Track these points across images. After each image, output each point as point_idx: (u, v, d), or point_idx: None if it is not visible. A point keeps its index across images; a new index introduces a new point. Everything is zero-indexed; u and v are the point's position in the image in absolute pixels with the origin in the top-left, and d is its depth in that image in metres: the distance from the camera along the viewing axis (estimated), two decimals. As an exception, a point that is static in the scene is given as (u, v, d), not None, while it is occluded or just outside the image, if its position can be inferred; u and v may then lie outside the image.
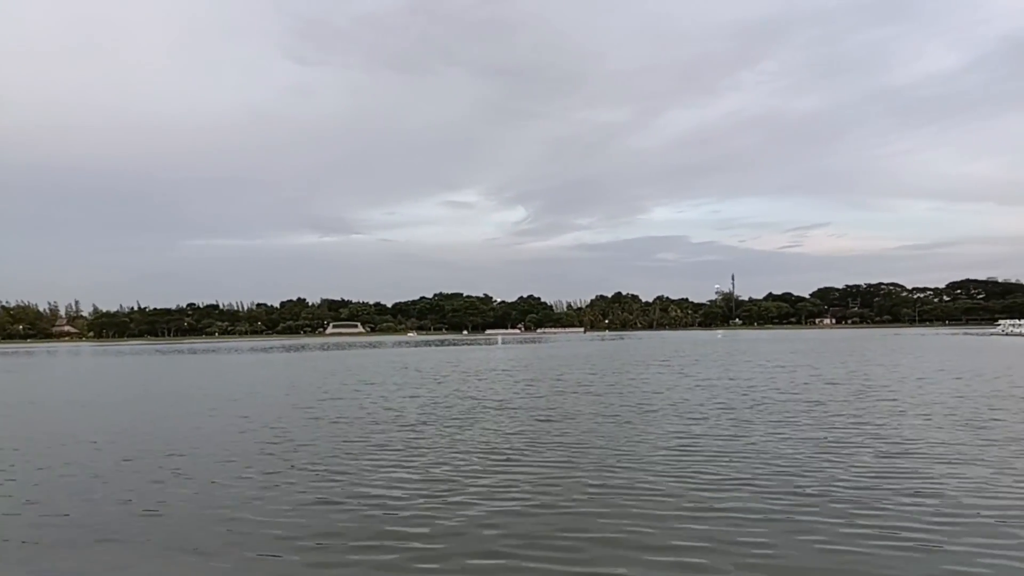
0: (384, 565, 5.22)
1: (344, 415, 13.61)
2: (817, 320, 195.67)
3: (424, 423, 12.03)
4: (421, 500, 6.86)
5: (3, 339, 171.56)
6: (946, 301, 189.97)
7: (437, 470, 8.22)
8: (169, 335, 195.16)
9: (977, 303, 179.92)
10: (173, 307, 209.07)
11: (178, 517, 6.60)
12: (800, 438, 9.82)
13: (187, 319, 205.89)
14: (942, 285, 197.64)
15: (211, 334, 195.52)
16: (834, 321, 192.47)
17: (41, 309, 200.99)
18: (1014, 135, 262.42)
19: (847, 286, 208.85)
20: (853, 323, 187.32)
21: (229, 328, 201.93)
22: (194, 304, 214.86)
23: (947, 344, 47.09)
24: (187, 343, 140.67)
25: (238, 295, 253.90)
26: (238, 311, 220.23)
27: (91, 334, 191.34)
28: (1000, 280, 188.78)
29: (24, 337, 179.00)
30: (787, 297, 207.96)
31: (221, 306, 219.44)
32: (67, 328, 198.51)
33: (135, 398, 19.38)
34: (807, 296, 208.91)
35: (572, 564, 5.11)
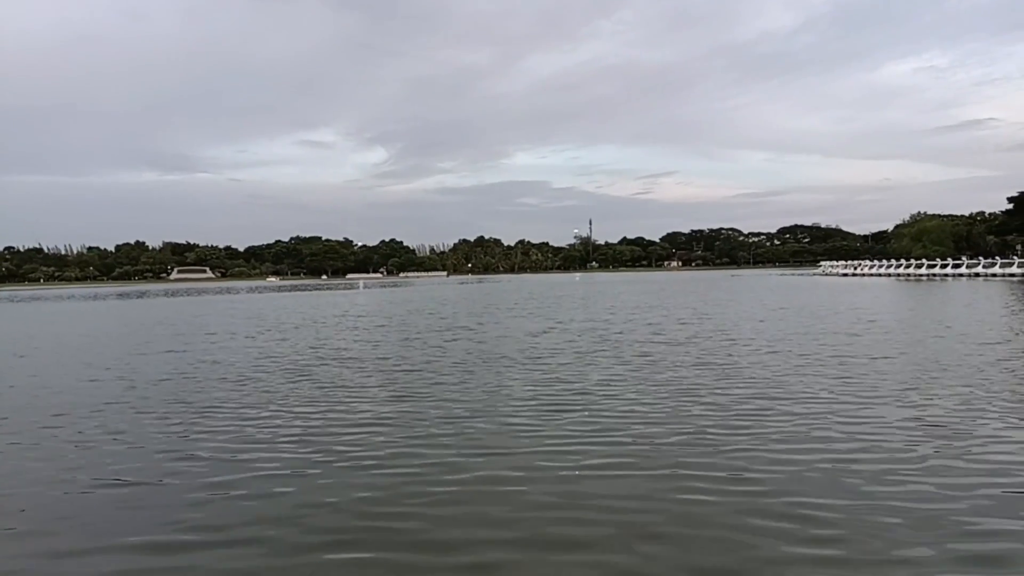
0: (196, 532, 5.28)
1: (162, 373, 13.09)
2: (666, 263, 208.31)
3: (254, 377, 11.86)
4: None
5: None
6: (777, 245, 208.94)
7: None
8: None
9: (803, 247, 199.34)
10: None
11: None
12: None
13: (5, 264, 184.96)
14: (774, 230, 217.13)
15: (35, 280, 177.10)
16: (680, 264, 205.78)
17: None
18: (841, 93, 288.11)
19: (692, 231, 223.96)
20: (697, 265, 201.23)
21: (56, 274, 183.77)
22: (12, 247, 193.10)
23: (779, 284, 52.12)
24: (7, 290, 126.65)
25: (65, 238, 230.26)
26: (66, 255, 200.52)
27: None
28: (823, 226, 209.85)
29: None
30: (639, 241, 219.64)
31: (46, 249, 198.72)
32: None
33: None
34: (657, 240, 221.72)
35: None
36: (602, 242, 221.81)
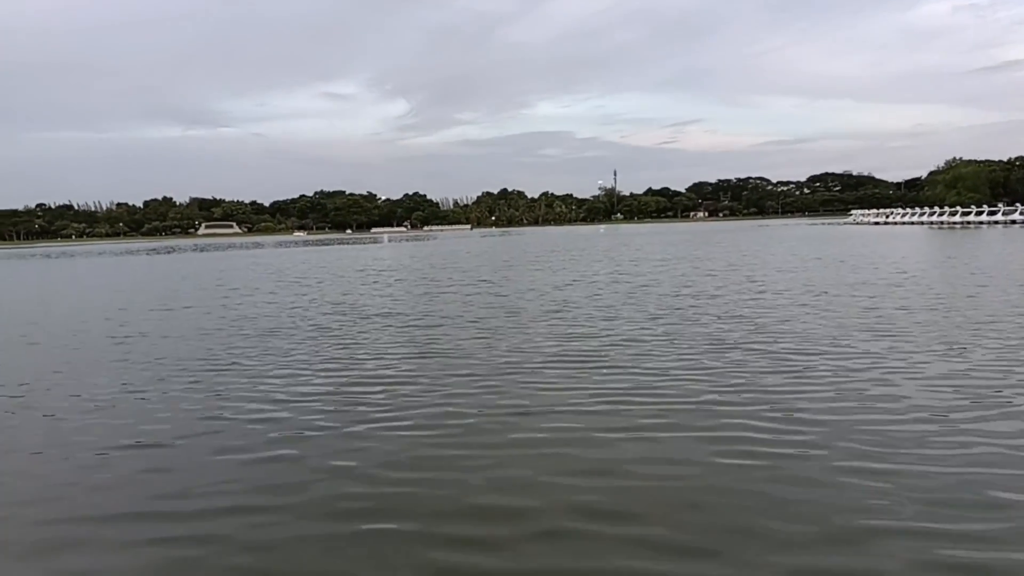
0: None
1: (185, 330, 13.08)
2: (691, 214, 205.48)
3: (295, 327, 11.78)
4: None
5: None
6: (807, 194, 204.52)
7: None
8: (18, 239, 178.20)
9: (834, 195, 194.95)
10: (20, 208, 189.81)
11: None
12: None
13: (38, 221, 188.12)
14: (803, 179, 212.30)
15: (67, 237, 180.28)
16: (707, 214, 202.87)
17: None
18: (875, 34, 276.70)
19: (719, 180, 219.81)
20: (724, 216, 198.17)
21: (87, 230, 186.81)
22: (44, 204, 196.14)
23: (809, 234, 50.96)
24: (40, 247, 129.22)
25: (95, 194, 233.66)
26: (96, 212, 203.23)
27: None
28: (854, 173, 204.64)
29: None
30: (665, 192, 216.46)
31: (76, 206, 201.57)
32: None
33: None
34: (683, 191, 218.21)
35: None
36: (627, 193, 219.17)
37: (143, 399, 7.37)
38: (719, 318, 11.53)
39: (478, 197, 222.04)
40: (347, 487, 4.76)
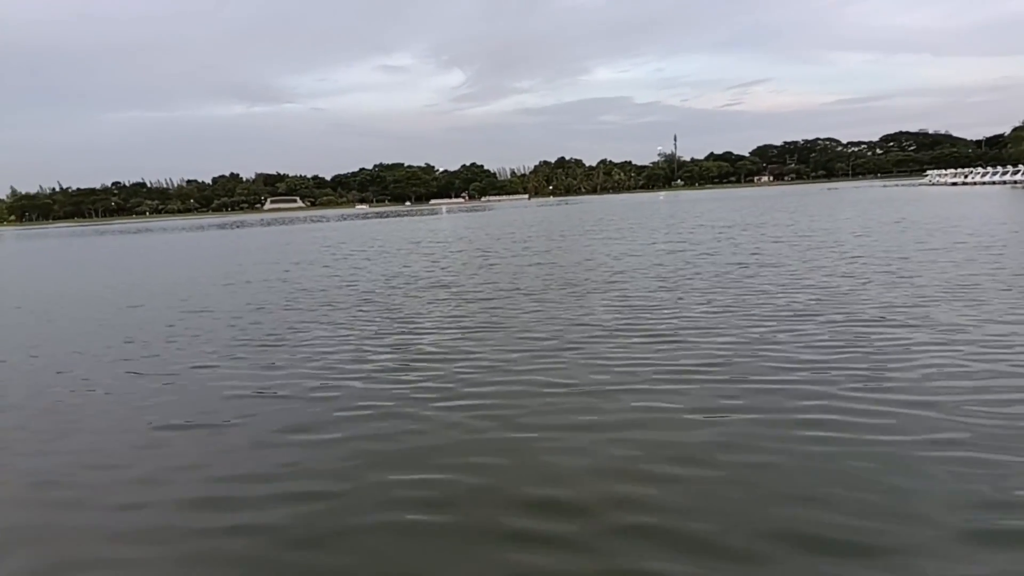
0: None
1: (245, 304, 13.19)
2: (756, 178, 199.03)
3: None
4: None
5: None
6: (879, 154, 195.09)
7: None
8: (96, 216, 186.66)
9: (908, 155, 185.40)
10: (97, 186, 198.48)
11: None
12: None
13: (114, 199, 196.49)
14: (876, 139, 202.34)
15: (141, 213, 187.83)
16: (772, 178, 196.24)
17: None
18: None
19: (785, 143, 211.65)
20: (790, 180, 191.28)
21: (160, 207, 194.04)
22: (119, 182, 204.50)
23: (882, 196, 48.44)
24: (117, 223, 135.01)
25: (166, 172, 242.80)
26: (167, 189, 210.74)
27: (12, 218, 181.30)
28: (931, 132, 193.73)
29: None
30: (727, 156, 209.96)
31: (149, 184, 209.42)
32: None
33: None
34: (747, 155, 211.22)
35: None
36: (687, 159, 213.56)
37: (203, 375, 7.39)
38: (791, 288, 10.91)
39: (535, 166, 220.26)
40: (402, 472, 4.55)
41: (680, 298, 10.58)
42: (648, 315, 9.36)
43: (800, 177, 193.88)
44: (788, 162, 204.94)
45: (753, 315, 8.94)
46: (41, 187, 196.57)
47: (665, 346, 7.53)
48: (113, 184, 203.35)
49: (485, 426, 5.34)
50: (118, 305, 13.73)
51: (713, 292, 10.95)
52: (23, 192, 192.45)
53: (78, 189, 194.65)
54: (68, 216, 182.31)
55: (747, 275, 12.63)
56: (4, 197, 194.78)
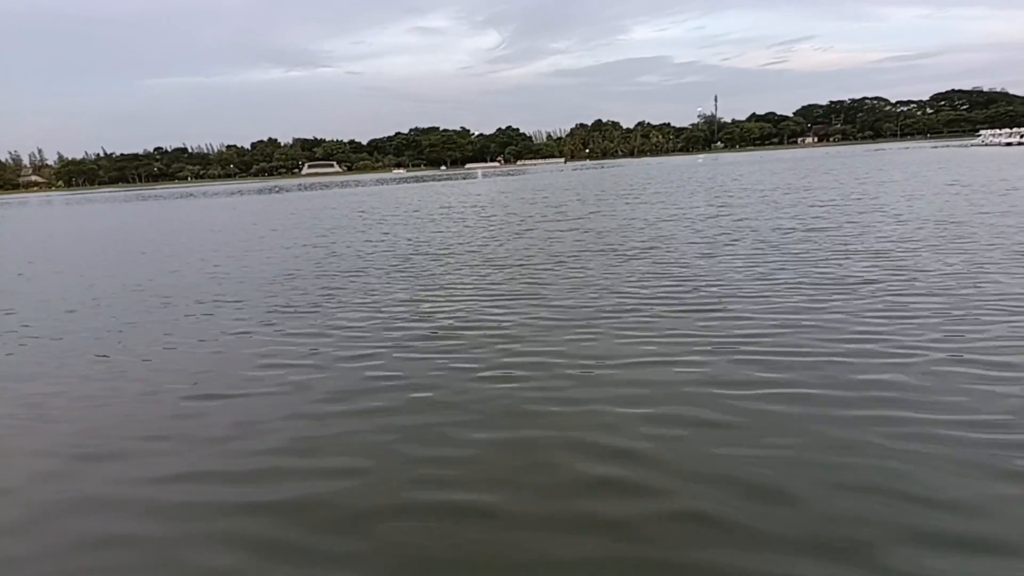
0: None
1: (275, 271, 13.19)
2: (799, 139, 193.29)
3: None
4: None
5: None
6: (929, 114, 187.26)
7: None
8: (140, 181, 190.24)
9: (960, 114, 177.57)
10: (140, 152, 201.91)
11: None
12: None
13: (156, 164, 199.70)
14: (926, 97, 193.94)
15: (183, 179, 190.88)
16: (816, 139, 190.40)
17: (2, 159, 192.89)
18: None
19: (831, 102, 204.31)
20: (835, 140, 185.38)
21: (201, 172, 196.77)
22: (161, 148, 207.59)
23: (933, 157, 46.45)
24: (160, 188, 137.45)
25: (206, 137, 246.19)
26: (208, 154, 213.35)
27: (60, 183, 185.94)
28: (985, 90, 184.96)
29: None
30: (770, 117, 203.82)
31: (190, 149, 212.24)
32: (34, 178, 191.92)
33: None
34: (790, 115, 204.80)
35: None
36: (728, 120, 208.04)
37: (238, 343, 7.39)
38: (842, 255, 10.49)
39: (571, 129, 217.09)
40: (433, 449, 4.42)
41: (721, 264, 10.26)
42: (688, 283, 9.09)
43: (846, 138, 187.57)
44: (834, 122, 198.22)
45: (801, 283, 8.61)
46: (87, 153, 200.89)
47: (705, 317, 7.27)
48: (155, 150, 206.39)
49: (518, 397, 5.20)
50: (158, 270, 13.89)
51: (756, 258, 10.59)
52: (70, 158, 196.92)
53: (122, 155, 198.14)
54: (113, 181, 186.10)
55: (791, 241, 12.19)
56: (52, 163, 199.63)
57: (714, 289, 8.61)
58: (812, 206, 18.64)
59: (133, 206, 54.15)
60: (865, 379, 5.12)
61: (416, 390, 5.50)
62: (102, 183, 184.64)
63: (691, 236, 13.90)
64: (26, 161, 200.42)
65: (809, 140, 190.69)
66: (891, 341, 6.00)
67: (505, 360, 6.16)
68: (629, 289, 8.95)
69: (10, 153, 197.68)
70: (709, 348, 6.14)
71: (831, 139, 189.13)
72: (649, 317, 7.41)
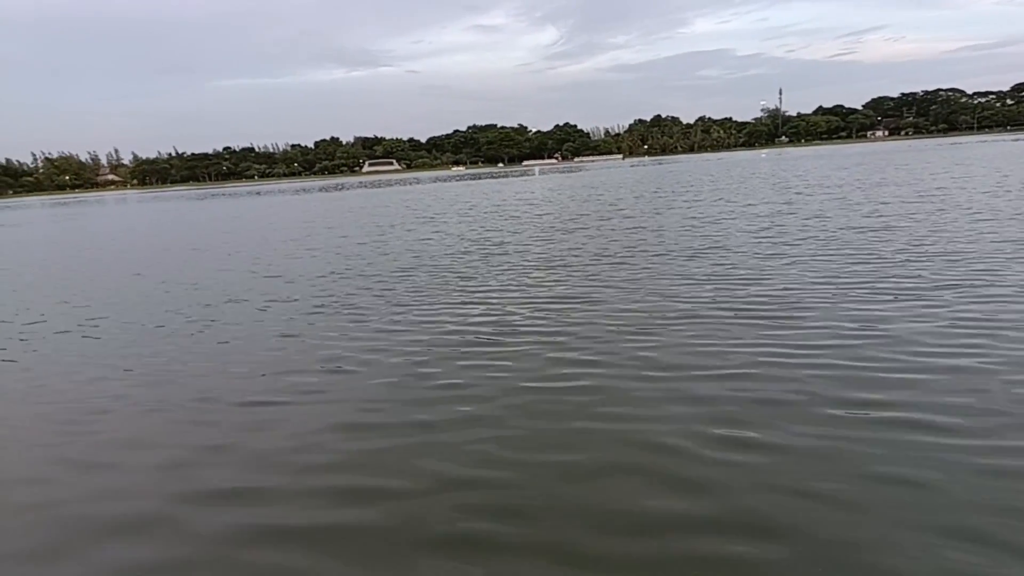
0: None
1: (328, 269, 13.13)
2: (869, 133, 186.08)
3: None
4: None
5: (51, 190, 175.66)
6: (1009, 106, 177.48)
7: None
8: (209, 180, 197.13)
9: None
10: (210, 151, 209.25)
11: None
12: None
13: (225, 163, 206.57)
14: (1006, 88, 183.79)
15: (250, 177, 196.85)
16: (887, 133, 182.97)
17: (83, 159, 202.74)
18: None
19: (903, 95, 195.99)
20: (907, 134, 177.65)
21: (267, 171, 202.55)
22: (229, 147, 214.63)
23: (1015, 152, 43.69)
24: (229, 187, 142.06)
25: (272, 137, 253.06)
26: (273, 153, 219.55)
27: (134, 182, 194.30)
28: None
29: (72, 187, 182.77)
30: (838, 110, 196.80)
31: (256, 148, 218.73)
32: (111, 177, 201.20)
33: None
34: (859, 108, 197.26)
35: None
36: (793, 113, 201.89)
37: (289, 344, 7.30)
38: (914, 256, 9.78)
39: (630, 125, 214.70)
40: (478, 471, 4.12)
41: (788, 268, 9.70)
42: (751, 288, 8.58)
43: (919, 131, 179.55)
44: (906, 115, 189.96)
45: (876, 288, 8.01)
46: (159, 152, 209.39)
47: (771, 326, 6.79)
48: (224, 149, 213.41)
49: (565, 410, 4.90)
50: (215, 267, 14.10)
51: (824, 262, 9.97)
52: (144, 158, 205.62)
53: (192, 154, 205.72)
54: (183, 180, 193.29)
55: (861, 241, 11.48)
56: (127, 163, 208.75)
57: (781, 293, 8.08)
58: (885, 203, 17.62)
59: (210, 203, 55.88)
60: (957, 403, 4.62)
61: (464, 403, 5.23)
62: (174, 181, 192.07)
63: (756, 235, 13.26)
64: (103, 161, 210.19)
65: (880, 134, 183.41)
66: (969, 356, 5.44)
67: (555, 372, 5.84)
68: (689, 294, 8.51)
69: (89, 153, 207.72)
70: (771, 360, 5.69)
71: (903, 132, 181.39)
72: (709, 327, 6.96)
